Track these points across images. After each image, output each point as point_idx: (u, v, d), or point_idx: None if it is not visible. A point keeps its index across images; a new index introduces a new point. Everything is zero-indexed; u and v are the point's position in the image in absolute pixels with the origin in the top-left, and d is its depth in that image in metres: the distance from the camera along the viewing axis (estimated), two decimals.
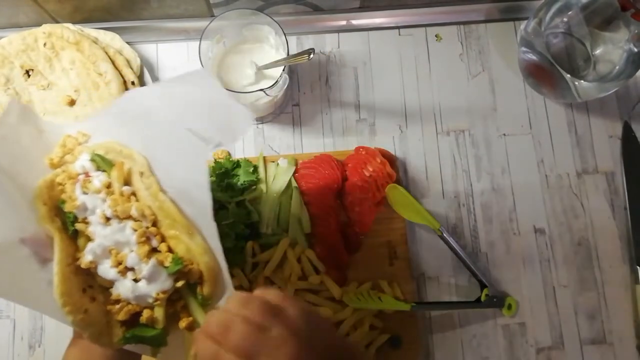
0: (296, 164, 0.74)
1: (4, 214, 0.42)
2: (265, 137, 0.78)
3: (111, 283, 0.44)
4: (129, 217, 0.44)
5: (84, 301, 0.42)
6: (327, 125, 0.79)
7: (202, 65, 0.66)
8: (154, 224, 0.44)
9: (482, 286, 0.73)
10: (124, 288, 0.43)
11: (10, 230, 0.42)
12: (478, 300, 0.72)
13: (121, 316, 0.43)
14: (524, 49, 0.76)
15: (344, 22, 0.82)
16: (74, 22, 0.76)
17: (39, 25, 0.74)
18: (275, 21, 0.66)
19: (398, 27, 0.83)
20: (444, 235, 0.73)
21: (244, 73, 0.71)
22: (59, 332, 0.71)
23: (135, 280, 0.43)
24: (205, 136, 0.43)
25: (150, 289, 0.42)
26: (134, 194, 0.45)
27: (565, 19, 0.75)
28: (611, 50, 0.74)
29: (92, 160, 0.46)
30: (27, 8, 0.74)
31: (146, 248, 0.43)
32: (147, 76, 0.77)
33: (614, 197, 0.78)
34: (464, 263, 0.73)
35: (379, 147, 0.75)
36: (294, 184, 0.72)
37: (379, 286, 0.71)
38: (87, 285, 0.44)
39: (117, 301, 0.43)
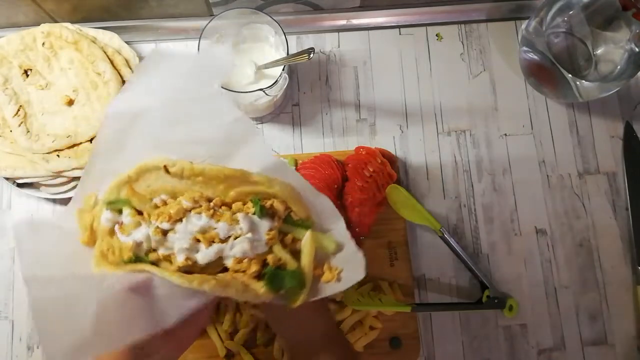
0: (296, 164, 0.73)
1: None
2: (264, 137, 0.78)
3: (220, 259, 0.43)
4: (187, 211, 0.42)
5: (207, 277, 0.41)
6: (327, 125, 0.79)
7: None
8: (209, 199, 0.43)
9: (483, 287, 0.72)
10: (235, 250, 0.42)
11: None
12: (479, 301, 0.72)
13: (253, 267, 0.42)
14: (525, 48, 0.75)
15: (344, 22, 0.82)
16: (72, 22, 0.76)
17: (38, 24, 0.74)
18: (275, 20, 0.66)
19: (398, 27, 0.82)
20: (445, 235, 0.72)
21: (244, 73, 0.71)
22: None
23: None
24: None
25: (258, 236, 0.42)
26: (172, 195, 0.44)
27: (566, 19, 0.75)
28: (612, 50, 0.74)
29: (110, 209, 0.44)
30: (25, 7, 0.74)
31: (227, 215, 0.42)
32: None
33: (615, 198, 0.77)
34: (464, 264, 0.73)
35: (379, 147, 0.75)
36: None
37: (380, 287, 0.71)
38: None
39: (239, 263, 0.42)
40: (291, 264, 0.43)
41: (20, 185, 0.72)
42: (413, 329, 0.70)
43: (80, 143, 0.71)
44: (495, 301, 0.72)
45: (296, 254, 0.44)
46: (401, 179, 0.77)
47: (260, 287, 0.42)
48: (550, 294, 0.74)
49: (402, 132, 0.79)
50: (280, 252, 0.43)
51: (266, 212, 0.43)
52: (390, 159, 0.74)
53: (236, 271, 0.42)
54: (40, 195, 0.73)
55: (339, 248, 0.45)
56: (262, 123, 0.78)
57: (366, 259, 0.44)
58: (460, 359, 0.72)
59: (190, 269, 0.42)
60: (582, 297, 0.74)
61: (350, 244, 0.45)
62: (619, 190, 0.78)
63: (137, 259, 0.42)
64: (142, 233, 0.42)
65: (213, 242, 0.42)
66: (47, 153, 0.70)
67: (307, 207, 0.45)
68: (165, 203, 0.43)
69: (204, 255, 0.42)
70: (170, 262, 0.42)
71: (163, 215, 0.42)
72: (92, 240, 0.45)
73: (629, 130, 0.79)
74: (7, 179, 0.72)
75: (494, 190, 0.77)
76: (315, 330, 0.49)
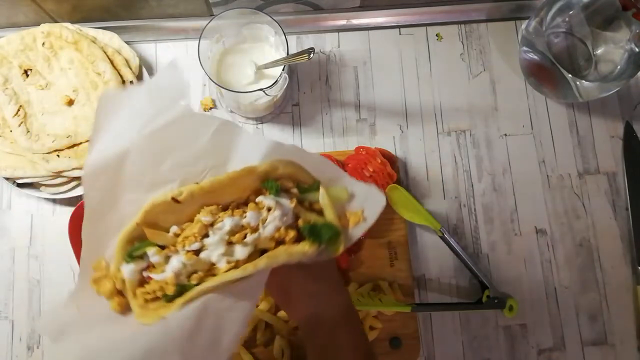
0: None
1: None
2: (264, 135, 0.78)
3: (256, 247, 0.44)
4: (208, 226, 0.43)
5: (258, 258, 0.43)
6: (327, 125, 0.79)
7: (202, 65, 0.65)
8: (225, 207, 0.45)
9: (483, 287, 0.72)
10: (269, 229, 0.43)
11: None
12: (479, 301, 0.72)
13: (290, 234, 0.44)
14: (525, 48, 0.75)
15: (344, 22, 0.82)
16: (72, 22, 0.76)
17: (38, 24, 0.74)
18: (275, 20, 0.66)
19: (399, 27, 0.82)
20: (445, 236, 0.72)
21: (244, 72, 0.71)
22: None
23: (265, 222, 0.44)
24: None
25: (284, 209, 0.43)
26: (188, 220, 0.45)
27: (566, 19, 0.75)
28: (612, 50, 0.74)
29: (130, 261, 0.43)
30: (25, 8, 0.74)
31: (251, 205, 0.44)
32: (145, 76, 0.77)
33: (615, 198, 0.77)
34: (464, 264, 0.73)
35: (379, 147, 0.75)
36: None
37: (380, 287, 0.71)
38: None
39: (277, 232, 0.44)
40: (320, 220, 0.45)
41: (20, 185, 0.72)
42: (413, 329, 0.70)
43: (80, 143, 0.71)
44: (495, 301, 0.72)
45: (320, 213, 0.46)
46: (401, 179, 0.77)
47: (303, 246, 0.43)
48: (550, 294, 0.74)
49: (402, 132, 0.79)
50: (307, 215, 0.45)
51: (281, 189, 0.45)
52: (390, 159, 0.74)
53: (276, 244, 0.44)
54: (40, 195, 0.73)
55: (351, 195, 0.47)
56: (262, 123, 0.78)
57: (377, 206, 0.46)
58: (460, 359, 0.72)
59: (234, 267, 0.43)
60: (582, 297, 0.74)
61: (359, 185, 0.47)
62: (619, 190, 0.78)
63: (182, 288, 0.42)
64: (175, 263, 0.42)
65: (245, 236, 0.43)
66: (47, 153, 0.70)
67: (310, 173, 0.47)
68: (182, 229, 0.44)
69: (242, 250, 0.43)
70: (214, 274, 0.43)
71: (188, 238, 0.42)
72: (123, 303, 0.44)
73: (629, 130, 0.79)
74: (7, 179, 0.72)
75: (494, 190, 0.77)
76: (334, 307, 0.50)
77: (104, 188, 0.44)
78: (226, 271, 0.42)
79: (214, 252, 0.42)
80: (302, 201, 0.46)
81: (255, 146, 0.45)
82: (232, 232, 0.43)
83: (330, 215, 0.45)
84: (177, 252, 0.43)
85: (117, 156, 0.43)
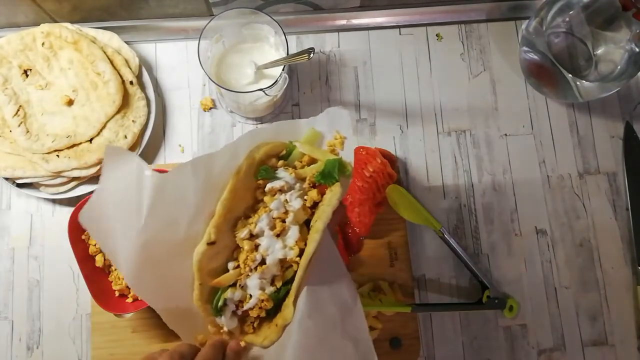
0: None
1: None
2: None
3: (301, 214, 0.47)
4: (251, 237, 0.46)
5: (316, 223, 0.46)
6: None
7: (202, 65, 0.65)
8: (246, 215, 0.47)
9: (484, 287, 0.72)
10: (294, 199, 0.46)
11: None
12: (479, 301, 0.72)
13: (314, 194, 0.46)
14: (525, 48, 0.75)
15: (344, 22, 0.82)
16: (72, 22, 0.76)
17: (38, 24, 0.74)
18: (275, 20, 0.66)
19: (399, 27, 0.82)
20: (445, 236, 0.72)
21: (244, 72, 0.71)
22: (57, 333, 0.71)
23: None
24: None
25: (291, 181, 0.47)
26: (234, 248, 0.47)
27: (566, 19, 0.75)
28: (613, 50, 0.74)
29: (217, 313, 0.45)
30: (25, 7, 0.74)
31: (267, 197, 0.46)
32: (145, 76, 0.77)
33: (615, 198, 0.77)
34: (465, 264, 0.73)
35: (379, 147, 0.75)
36: None
37: (380, 287, 0.71)
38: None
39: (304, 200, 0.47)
40: (319, 164, 0.48)
41: (20, 185, 0.72)
42: (413, 329, 0.70)
43: (80, 143, 0.71)
44: (496, 301, 0.72)
45: (314, 162, 0.49)
46: (401, 179, 0.77)
47: (331, 190, 0.46)
48: (551, 294, 0.74)
49: (402, 132, 0.79)
50: (307, 171, 0.48)
51: (273, 169, 0.48)
52: (391, 159, 0.74)
53: (312, 210, 0.47)
54: (40, 195, 0.73)
55: (320, 131, 0.50)
56: (262, 123, 0.78)
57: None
58: (460, 359, 0.72)
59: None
60: (582, 298, 0.74)
61: (319, 118, 0.50)
62: (619, 190, 0.77)
63: (276, 294, 0.45)
64: (254, 283, 0.44)
65: (284, 221, 0.45)
66: (47, 153, 0.70)
67: (280, 141, 0.49)
68: (235, 259, 0.46)
69: (293, 231, 0.45)
70: (291, 265, 0.45)
71: (247, 259, 0.45)
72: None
73: (629, 130, 0.79)
74: (7, 179, 0.72)
75: (494, 190, 0.77)
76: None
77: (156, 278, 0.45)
78: (299, 255, 0.44)
79: (274, 251, 0.45)
80: (294, 166, 0.49)
81: (228, 156, 0.46)
82: (272, 227, 0.45)
83: (320, 154, 0.48)
84: (248, 276, 0.45)
85: (139, 250, 0.43)
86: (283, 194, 0.46)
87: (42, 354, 0.71)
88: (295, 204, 0.45)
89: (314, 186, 0.47)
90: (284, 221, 0.45)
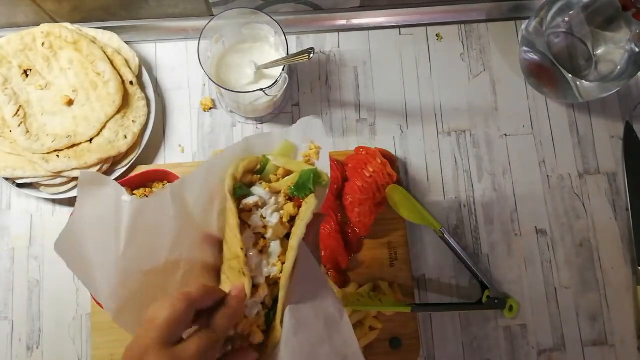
0: None
1: None
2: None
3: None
4: (240, 269, 0.45)
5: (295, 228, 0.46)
6: (327, 125, 0.78)
7: (202, 65, 0.65)
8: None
9: (484, 287, 0.72)
10: (271, 214, 0.45)
11: None
12: (479, 301, 0.72)
13: (290, 208, 0.46)
14: (525, 48, 0.75)
15: (344, 22, 0.82)
16: (72, 22, 0.76)
17: (38, 24, 0.74)
18: (275, 20, 0.66)
19: (398, 27, 0.82)
20: (445, 236, 0.72)
21: (244, 72, 0.71)
22: (57, 333, 0.71)
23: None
24: None
25: (266, 195, 0.46)
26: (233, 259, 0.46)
27: (566, 19, 0.75)
28: (613, 50, 0.74)
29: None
30: (25, 8, 0.74)
31: (245, 214, 0.45)
32: (145, 76, 0.77)
33: (615, 198, 0.77)
34: (465, 264, 0.73)
35: (379, 148, 0.75)
36: None
37: (380, 287, 0.71)
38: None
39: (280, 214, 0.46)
40: (294, 176, 0.47)
41: (20, 185, 0.72)
42: (413, 329, 0.70)
43: (80, 143, 0.71)
44: (496, 301, 0.72)
45: (289, 174, 0.48)
46: (401, 179, 0.77)
47: (306, 202, 0.45)
48: (551, 294, 0.74)
49: (402, 132, 0.79)
50: (285, 183, 0.47)
51: (247, 185, 0.47)
52: (390, 159, 0.74)
53: (290, 223, 0.46)
54: (40, 195, 0.73)
55: (293, 142, 0.49)
56: (262, 123, 0.78)
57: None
58: (460, 359, 0.72)
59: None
60: (582, 298, 0.74)
61: (293, 130, 0.49)
62: (619, 191, 0.77)
63: (266, 317, 0.44)
64: (253, 310, 0.43)
65: (264, 237, 0.45)
66: (47, 153, 0.70)
67: (254, 155, 0.48)
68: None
69: (275, 245, 0.45)
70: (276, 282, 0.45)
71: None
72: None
73: (629, 130, 0.79)
74: (7, 179, 0.72)
75: (494, 190, 0.77)
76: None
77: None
78: (281, 272, 0.44)
79: (264, 267, 0.44)
80: (269, 180, 0.48)
81: (206, 177, 0.45)
82: (255, 244, 0.45)
83: (295, 166, 0.47)
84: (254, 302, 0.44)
85: (118, 278, 0.41)
86: (259, 209, 0.45)
87: (42, 354, 0.71)
88: (273, 219, 0.45)
89: (290, 199, 0.46)
90: (264, 237, 0.44)
